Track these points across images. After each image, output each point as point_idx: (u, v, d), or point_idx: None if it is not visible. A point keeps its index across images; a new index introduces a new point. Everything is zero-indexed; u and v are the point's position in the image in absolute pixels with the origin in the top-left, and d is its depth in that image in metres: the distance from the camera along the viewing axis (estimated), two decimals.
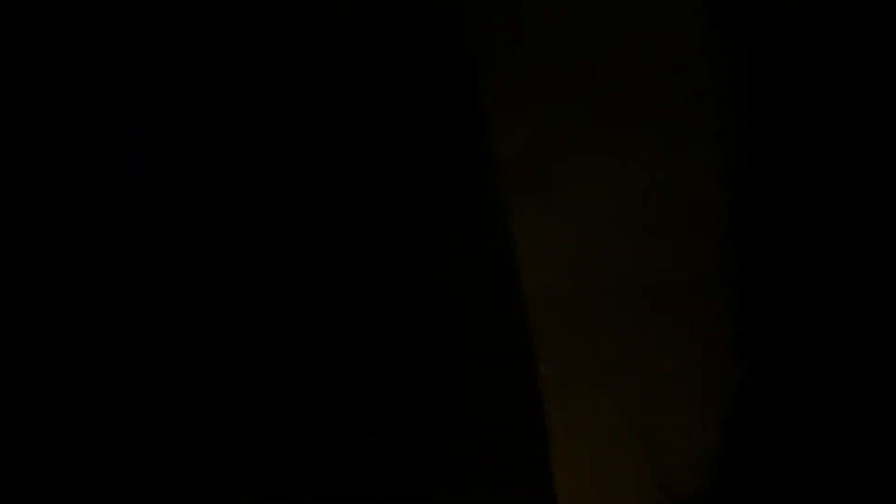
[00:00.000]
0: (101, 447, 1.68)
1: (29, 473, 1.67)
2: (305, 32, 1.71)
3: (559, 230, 1.72)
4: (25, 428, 1.67)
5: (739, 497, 1.66)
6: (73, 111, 1.69)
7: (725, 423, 1.68)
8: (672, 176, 1.71)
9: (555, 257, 1.72)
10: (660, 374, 1.69)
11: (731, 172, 1.70)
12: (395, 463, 1.70)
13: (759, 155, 1.70)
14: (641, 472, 1.68)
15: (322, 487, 1.69)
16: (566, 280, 1.71)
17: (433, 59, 1.73)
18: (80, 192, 1.69)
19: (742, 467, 1.67)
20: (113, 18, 1.67)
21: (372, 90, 1.72)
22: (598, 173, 1.72)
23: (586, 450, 1.69)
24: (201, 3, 1.68)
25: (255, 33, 1.70)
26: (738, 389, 1.68)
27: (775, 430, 1.66)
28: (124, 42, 1.68)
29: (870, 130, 1.67)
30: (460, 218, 1.73)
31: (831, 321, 1.67)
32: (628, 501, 1.68)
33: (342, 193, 1.73)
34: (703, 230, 1.71)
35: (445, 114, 1.73)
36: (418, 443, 1.70)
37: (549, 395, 1.69)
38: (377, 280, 1.72)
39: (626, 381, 1.70)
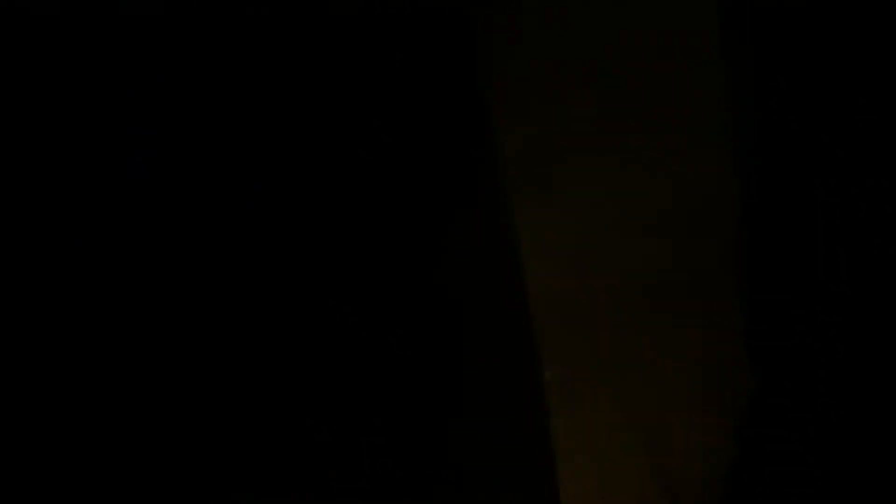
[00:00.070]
0: (101, 447, 1.68)
1: (29, 473, 1.67)
2: (306, 32, 1.70)
3: (560, 230, 1.72)
4: (25, 428, 1.67)
5: (745, 500, 1.66)
6: (73, 111, 1.69)
7: (730, 425, 1.68)
8: (675, 176, 1.71)
9: (556, 258, 1.71)
10: (663, 376, 1.69)
11: (735, 172, 1.70)
12: (397, 463, 1.70)
13: (763, 155, 1.70)
14: (645, 474, 1.68)
15: (322, 487, 1.69)
16: (568, 280, 1.71)
17: (435, 59, 1.73)
18: (79, 192, 1.69)
19: (747, 470, 1.66)
20: (113, 18, 1.67)
21: (373, 90, 1.72)
22: (599, 173, 1.72)
23: (589, 451, 1.69)
24: (201, 3, 1.68)
25: (255, 33, 1.70)
26: (743, 391, 1.68)
27: (781, 432, 1.66)
28: (124, 42, 1.68)
29: (878, 133, 1.67)
30: (462, 218, 1.73)
31: (837, 322, 1.66)
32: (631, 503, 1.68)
33: (343, 193, 1.72)
34: (706, 230, 1.71)
35: (448, 114, 1.73)
36: (419, 444, 1.70)
37: (552, 395, 1.69)
38: (378, 280, 1.72)
39: (628, 381, 1.70)
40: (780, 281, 1.70)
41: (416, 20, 1.71)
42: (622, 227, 1.71)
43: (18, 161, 1.69)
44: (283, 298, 1.71)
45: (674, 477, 1.67)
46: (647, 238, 1.70)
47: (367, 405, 1.70)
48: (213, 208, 1.71)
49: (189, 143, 1.71)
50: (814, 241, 1.68)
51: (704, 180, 1.71)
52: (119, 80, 1.69)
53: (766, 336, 1.69)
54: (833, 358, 1.66)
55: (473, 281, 1.71)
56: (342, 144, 1.73)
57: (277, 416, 1.70)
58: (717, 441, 1.68)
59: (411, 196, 1.72)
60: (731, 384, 1.69)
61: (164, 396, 1.69)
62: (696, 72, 1.71)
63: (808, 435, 1.65)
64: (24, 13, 1.66)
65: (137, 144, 1.70)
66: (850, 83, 1.67)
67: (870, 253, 1.67)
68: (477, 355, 1.71)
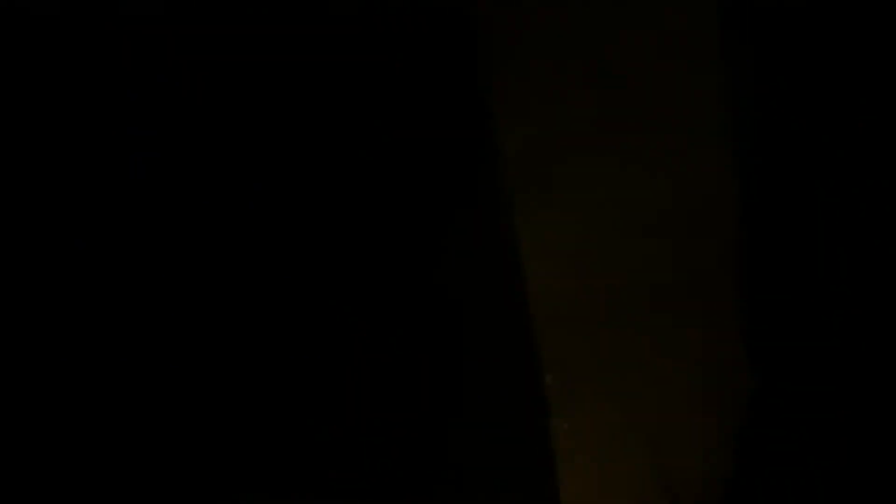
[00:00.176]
0: (101, 447, 1.68)
1: (29, 473, 1.67)
2: (306, 32, 1.70)
3: (560, 230, 1.72)
4: (25, 428, 1.67)
5: (745, 500, 1.66)
6: (73, 111, 1.69)
7: (730, 425, 1.68)
8: (675, 176, 1.71)
9: (556, 257, 1.71)
10: (663, 376, 1.69)
11: (735, 172, 1.70)
12: (397, 463, 1.70)
13: (763, 155, 1.70)
14: (645, 474, 1.68)
15: (322, 487, 1.69)
16: (568, 281, 1.71)
17: (435, 59, 1.73)
18: (79, 192, 1.69)
19: (747, 470, 1.66)
20: (113, 18, 1.67)
21: (373, 90, 1.72)
22: (599, 173, 1.72)
23: (589, 451, 1.69)
24: (201, 3, 1.68)
25: (255, 33, 1.70)
26: (743, 391, 1.68)
27: (781, 432, 1.66)
28: (124, 42, 1.68)
29: (878, 133, 1.67)
30: (463, 218, 1.73)
31: (837, 322, 1.66)
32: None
33: (344, 194, 1.72)
34: (706, 230, 1.71)
35: (448, 114, 1.73)
36: (420, 444, 1.70)
37: (553, 396, 1.69)
38: (379, 280, 1.72)
39: (629, 381, 1.70)
40: (779, 281, 1.70)
41: (416, 20, 1.71)
42: (622, 228, 1.71)
43: (18, 161, 1.69)
44: (284, 299, 1.71)
45: (674, 477, 1.67)
46: (647, 238, 1.70)
47: (367, 405, 1.70)
48: (213, 208, 1.71)
49: (189, 143, 1.71)
50: (813, 241, 1.68)
51: (704, 180, 1.70)
52: (119, 80, 1.69)
53: (765, 336, 1.69)
54: (833, 358, 1.66)
55: (473, 281, 1.71)
56: (342, 145, 1.73)
57: (278, 416, 1.70)
58: (717, 441, 1.68)
59: (412, 196, 1.72)
60: (731, 384, 1.69)
61: (164, 396, 1.69)
62: (696, 72, 1.70)
63: (808, 435, 1.65)
64: (24, 13, 1.66)
65: (137, 144, 1.70)
66: (850, 83, 1.67)
67: (870, 253, 1.67)
68: (477, 355, 1.71)
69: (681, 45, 1.71)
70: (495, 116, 1.71)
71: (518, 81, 1.72)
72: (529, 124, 1.72)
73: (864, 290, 1.66)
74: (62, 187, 1.69)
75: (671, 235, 1.70)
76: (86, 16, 1.67)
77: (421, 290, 1.72)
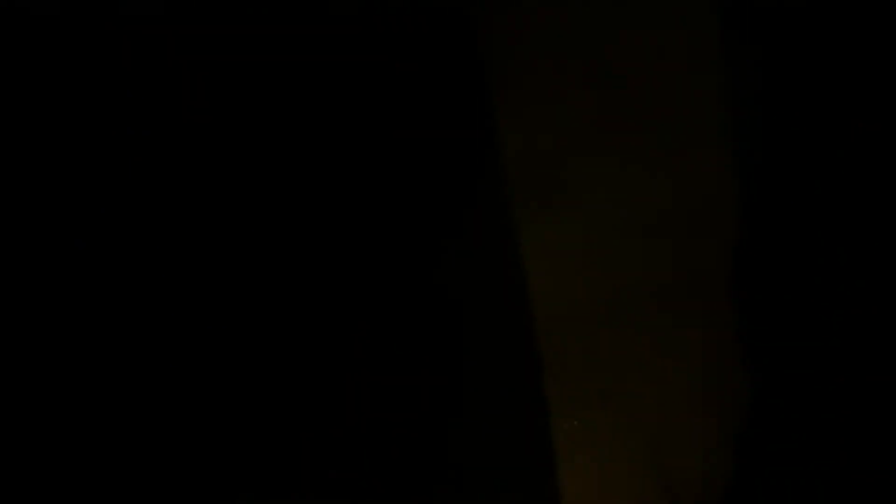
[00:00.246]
0: (101, 447, 1.68)
1: (29, 473, 1.67)
2: (306, 32, 1.70)
3: (561, 230, 1.72)
4: (25, 428, 1.67)
5: (745, 500, 1.66)
6: (74, 111, 1.69)
7: (730, 425, 1.68)
8: (675, 176, 1.71)
9: (557, 258, 1.71)
10: (663, 376, 1.69)
11: (735, 172, 1.70)
12: (397, 463, 1.70)
13: (765, 156, 1.70)
14: (645, 474, 1.68)
15: (322, 487, 1.69)
16: (569, 281, 1.71)
17: (435, 59, 1.73)
18: (80, 192, 1.69)
19: (747, 470, 1.66)
20: (113, 18, 1.67)
21: (374, 91, 1.72)
22: (600, 174, 1.72)
23: (589, 451, 1.69)
24: (201, 3, 1.68)
25: (255, 33, 1.70)
26: (743, 391, 1.68)
27: (781, 432, 1.66)
28: (124, 42, 1.68)
29: (878, 133, 1.67)
30: (464, 219, 1.73)
31: (838, 324, 1.66)
32: None
33: (344, 195, 1.72)
34: (706, 230, 1.71)
35: (448, 114, 1.73)
36: (420, 444, 1.70)
37: (554, 397, 1.69)
38: (381, 281, 1.72)
39: (629, 381, 1.70)
40: (779, 281, 1.70)
41: (416, 20, 1.71)
42: (623, 228, 1.71)
43: (18, 160, 1.69)
44: (285, 299, 1.71)
45: (674, 477, 1.67)
46: (647, 238, 1.70)
47: (367, 405, 1.70)
48: (213, 208, 1.71)
49: (189, 143, 1.71)
50: (813, 242, 1.68)
51: (704, 180, 1.70)
52: (119, 80, 1.69)
53: (765, 336, 1.69)
54: (832, 358, 1.66)
55: (475, 281, 1.71)
56: (343, 145, 1.73)
57: (278, 416, 1.70)
58: (717, 441, 1.67)
59: (412, 196, 1.72)
60: (731, 384, 1.69)
61: (164, 397, 1.69)
62: (696, 72, 1.71)
63: (808, 435, 1.65)
64: (24, 13, 1.66)
65: (137, 144, 1.70)
66: (851, 83, 1.68)
67: (870, 253, 1.67)
68: (478, 356, 1.71)
69: (681, 45, 1.71)
70: (496, 117, 1.71)
71: (518, 81, 1.73)
72: (530, 125, 1.72)
73: (864, 290, 1.66)
74: (62, 186, 1.69)
75: (671, 235, 1.70)
76: (86, 16, 1.67)
77: (421, 290, 1.72)
